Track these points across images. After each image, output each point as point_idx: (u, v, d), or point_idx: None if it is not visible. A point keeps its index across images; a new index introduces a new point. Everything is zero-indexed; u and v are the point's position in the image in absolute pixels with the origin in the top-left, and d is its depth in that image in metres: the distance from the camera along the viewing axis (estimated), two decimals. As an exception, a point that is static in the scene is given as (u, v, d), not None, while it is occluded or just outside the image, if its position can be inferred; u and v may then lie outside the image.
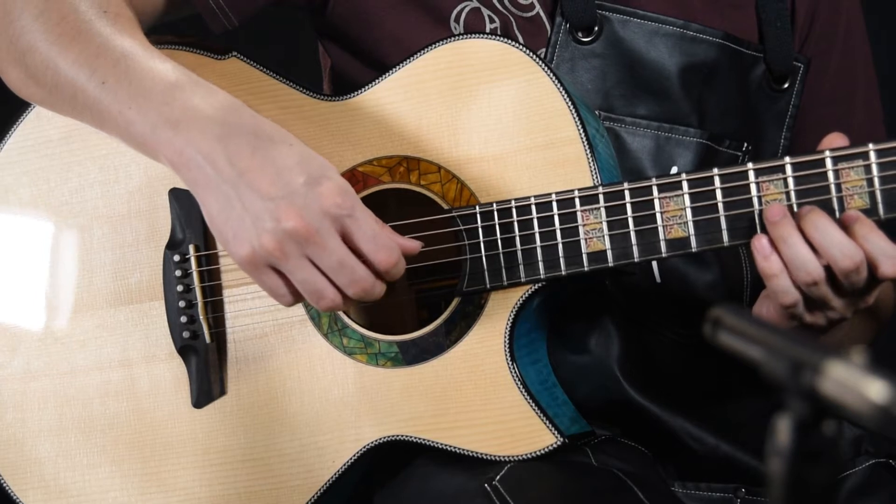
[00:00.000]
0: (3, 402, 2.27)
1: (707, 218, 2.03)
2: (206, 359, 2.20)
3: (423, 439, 2.14)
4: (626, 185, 2.05)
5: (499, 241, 2.10)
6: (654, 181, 2.04)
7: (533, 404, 2.10)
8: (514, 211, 2.09)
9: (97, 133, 2.11)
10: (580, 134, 2.08)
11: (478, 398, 2.12)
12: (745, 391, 2.29)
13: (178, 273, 2.21)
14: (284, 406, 2.19)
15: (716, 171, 2.02)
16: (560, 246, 2.08)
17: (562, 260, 2.08)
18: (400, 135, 2.15)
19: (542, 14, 2.27)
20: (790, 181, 1.99)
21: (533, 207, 2.08)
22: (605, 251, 2.06)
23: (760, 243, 1.97)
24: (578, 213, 2.07)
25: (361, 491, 2.27)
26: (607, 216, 2.06)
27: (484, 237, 2.10)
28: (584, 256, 2.07)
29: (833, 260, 1.92)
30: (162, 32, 2.23)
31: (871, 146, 1.97)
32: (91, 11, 2.09)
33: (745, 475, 2.25)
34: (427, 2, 2.27)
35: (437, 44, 2.14)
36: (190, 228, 2.20)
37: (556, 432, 2.09)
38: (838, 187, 1.98)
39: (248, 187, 1.93)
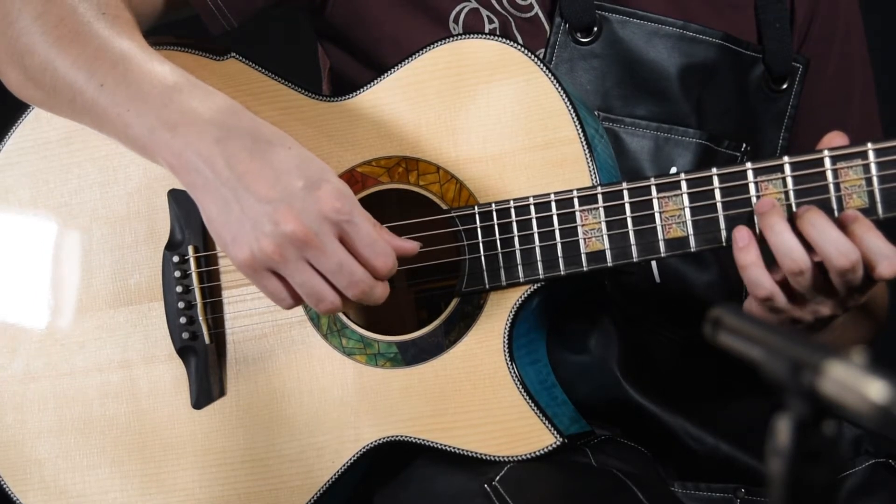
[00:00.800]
0: (2, 403, 2.27)
1: (706, 218, 2.03)
2: (205, 360, 2.20)
3: (423, 440, 2.14)
4: (624, 185, 2.05)
5: (497, 242, 2.10)
6: (652, 181, 2.05)
7: (532, 404, 2.10)
8: (512, 211, 2.09)
9: (96, 134, 2.11)
10: (579, 134, 2.08)
11: (477, 398, 2.12)
12: (744, 391, 2.29)
13: (177, 274, 2.21)
14: (284, 407, 2.19)
15: (714, 170, 2.02)
16: (559, 246, 2.08)
17: (560, 260, 2.08)
18: (399, 135, 2.15)
19: (540, 14, 2.27)
20: (789, 181, 1.99)
21: (532, 207, 2.08)
22: (603, 251, 2.06)
23: (739, 234, 1.98)
24: (577, 213, 2.07)
25: (361, 492, 2.26)
26: (606, 216, 2.06)
27: (483, 237, 2.10)
28: (583, 256, 2.07)
29: (829, 258, 1.92)
30: (161, 33, 2.22)
31: (869, 145, 1.97)
32: (90, 13, 2.09)
33: (745, 475, 2.25)
34: (426, 2, 2.27)
35: (436, 44, 2.14)
36: (189, 229, 2.20)
37: (555, 432, 2.09)
38: (837, 186, 1.98)
39: (246, 190, 1.93)
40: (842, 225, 1.94)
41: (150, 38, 2.14)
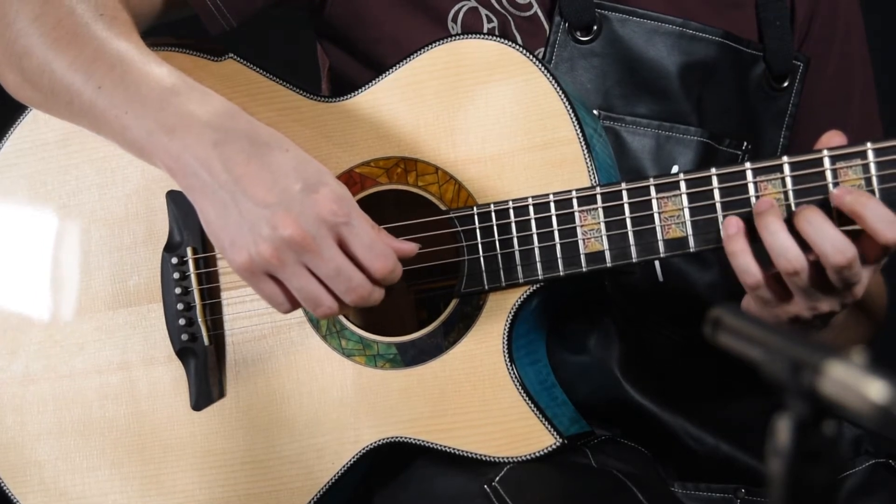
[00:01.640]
0: (2, 405, 2.26)
1: (705, 218, 2.02)
2: (204, 361, 2.20)
3: (422, 440, 2.14)
4: (623, 185, 2.05)
5: (496, 242, 2.10)
6: (651, 181, 2.04)
7: (532, 405, 2.10)
8: (511, 212, 2.09)
9: (94, 136, 2.10)
10: (577, 134, 2.08)
11: (476, 399, 2.12)
12: (745, 391, 2.29)
13: (176, 276, 2.21)
14: (283, 408, 2.19)
15: (713, 170, 2.02)
16: (558, 247, 2.08)
17: (560, 261, 2.08)
18: (397, 136, 2.15)
19: (540, 13, 2.27)
20: (788, 181, 1.99)
21: (531, 208, 2.08)
22: (603, 252, 2.06)
23: (728, 222, 1.98)
24: (576, 214, 2.07)
25: (361, 493, 2.26)
26: (605, 216, 2.06)
27: (482, 238, 2.10)
28: (583, 257, 2.07)
29: (825, 255, 1.91)
30: (160, 34, 2.22)
31: (868, 145, 1.97)
32: (87, 14, 2.08)
33: (745, 475, 2.25)
34: (425, 2, 2.26)
35: (435, 44, 2.14)
36: (188, 231, 2.19)
37: (554, 433, 2.09)
38: (836, 186, 1.98)
39: (244, 194, 1.93)
40: (837, 203, 1.93)
41: (148, 38, 2.13)
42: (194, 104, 1.99)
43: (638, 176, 2.16)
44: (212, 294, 2.21)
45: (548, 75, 2.10)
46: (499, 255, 2.09)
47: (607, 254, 2.06)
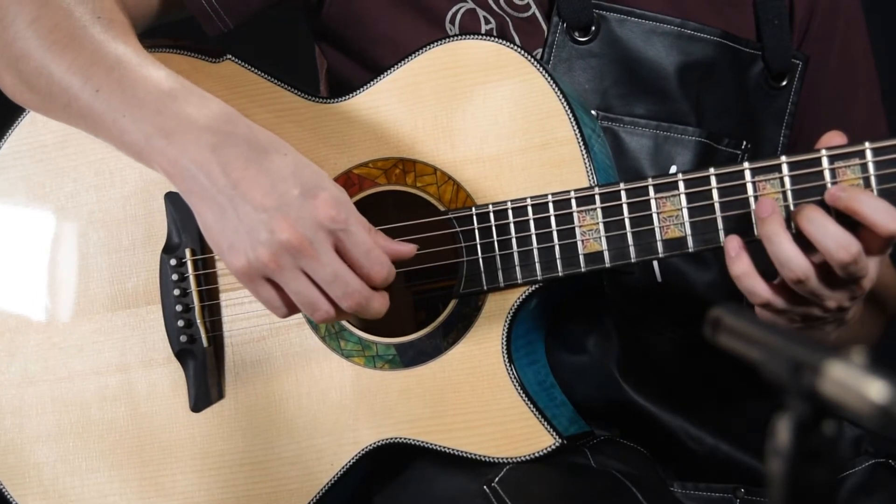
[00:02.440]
0: (1, 407, 2.26)
1: (704, 218, 2.02)
2: (203, 363, 2.20)
3: (422, 441, 2.14)
4: (622, 185, 2.05)
5: (495, 243, 2.10)
6: (650, 181, 2.04)
7: (531, 405, 2.10)
8: (510, 212, 2.09)
9: (92, 138, 2.10)
10: (576, 134, 2.08)
11: (476, 400, 2.12)
12: (745, 391, 2.28)
13: (174, 277, 2.21)
14: (282, 409, 2.19)
15: (712, 170, 2.02)
16: (557, 247, 2.07)
17: (558, 261, 2.08)
18: (395, 137, 2.14)
19: (538, 14, 2.27)
20: (787, 180, 1.99)
21: (529, 209, 2.08)
22: (601, 252, 2.06)
23: (730, 243, 1.98)
24: (575, 214, 2.07)
25: (360, 494, 2.26)
26: (604, 217, 2.06)
27: (480, 239, 2.10)
28: (581, 257, 2.07)
29: (829, 253, 1.91)
30: (157, 35, 2.22)
31: (867, 144, 1.97)
32: (85, 17, 2.08)
33: (744, 475, 2.25)
34: (422, 3, 2.26)
35: (432, 45, 2.14)
36: (186, 232, 2.19)
37: (554, 433, 2.09)
38: (835, 186, 1.98)
39: (242, 198, 1.93)
40: (832, 202, 1.93)
41: (145, 40, 2.13)
42: (192, 108, 1.99)
43: (636, 176, 2.16)
44: (210, 296, 2.21)
45: (546, 76, 2.10)
46: (497, 256, 2.09)
47: (606, 254, 2.06)
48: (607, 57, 2.26)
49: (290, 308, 1.99)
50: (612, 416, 2.26)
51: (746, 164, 2.01)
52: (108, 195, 2.25)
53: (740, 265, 1.97)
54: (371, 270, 1.96)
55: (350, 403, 2.16)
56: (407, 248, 2.03)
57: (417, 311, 2.28)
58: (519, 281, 2.09)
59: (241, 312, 2.20)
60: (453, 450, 2.13)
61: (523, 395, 2.10)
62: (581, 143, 2.08)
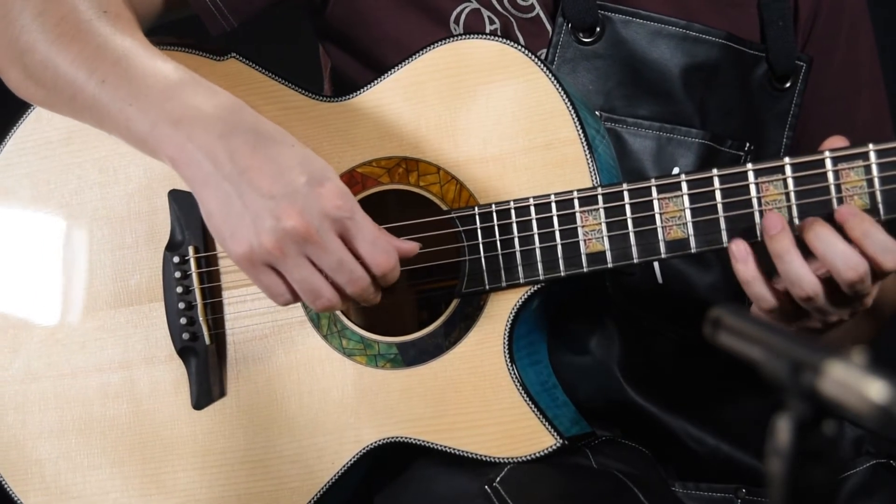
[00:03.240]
0: (3, 403, 2.26)
1: (706, 219, 2.02)
2: (205, 360, 2.20)
3: (423, 441, 2.14)
4: (625, 185, 2.05)
5: (498, 243, 2.10)
6: (653, 182, 2.04)
7: (532, 406, 2.10)
8: (512, 212, 2.09)
9: (97, 134, 2.11)
10: (579, 134, 2.08)
11: (477, 399, 2.12)
12: (746, 392, 2.28)
13: (177, 275, 2.21)
14: (284, 407, 2.19)
15: (715, 171, 2.02)
16: (559, 247, 2.08)
17: (561, 261, 2.08)
18: (399, 136, 2.15)
19: (542, 15, 2.27)
20: (790, 182, 1.99)
21: (532, 208, 2.08)
22: (604, 252, 2.06)
23: (737, 248, 1.97)
24: (577, 215, 2.07)
25: (361, 493, 2.26)
26: (606, 217, 2.06)
27: (483, 238, 2.10)
28: (584, 257, 2.07)
29: (837, 272, 1.91)
30: (162, 34, 2.22)
31: (871, 146, 1.97)
32: (91, 11, 2.09)
33: (745, 475, 2.25)
34: (427, 3, 2.26)
35: (436, 44, 2.14)
36: (189, 230, 2.19)
37: (555, 434, 2.09)
38: (838, 188, 1.98)
39: (248, 185, 1.93)
40: (840, 222, 1.93)
41: (150, 38, 2.13)
42: (200, 98, 1.99)
43: (639, 177, 2.16)
44: (213, 293, 2.21)
45: (550, 76, 2.10)
46: (500, 256, 2.09)
47: (608, 254, 2.06)
48: (611, 58, 2.26)
49: (293, 296, 1.99)
50: (614, 417, 2.26)
51: (750, 166, 2.01)
52: (112, 192, 2.25)
53: (748, 271, 1.97)
54: (376, 259, 1.96)
55: (351, 402, 2.16)
56: (410, 246, 2.03)
57: (419, 311, 2.28)
58: (521, 281, 2.10)
59: (244, 310, 2.20)
60: (454, 449, 2.13)
61: (525, 396, 2.10)
62: (584, 144, 2.08)
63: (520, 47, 2.11)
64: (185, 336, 2.20)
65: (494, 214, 2.10)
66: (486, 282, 2.10)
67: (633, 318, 2.25)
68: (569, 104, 2.09)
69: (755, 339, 1.22)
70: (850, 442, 2.32)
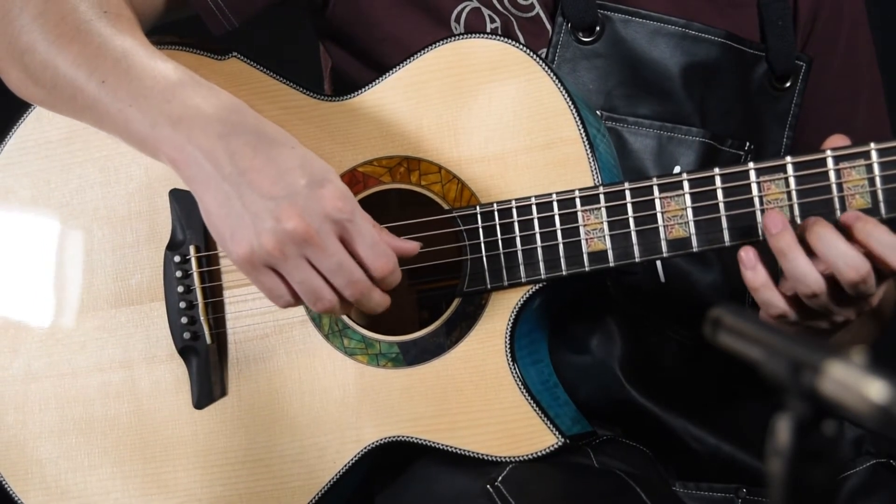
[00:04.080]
0: (4, 403, 2.26)
1: (708, 218, 2.02)
2: (206, 360, 2.20)
3: (424, 440, 2.14)
4: (626, 184, 2.05)
5: (499, 242, 2.10)
6: (654, 181, 2.04)
7: (534, 405, 2.10)
8: (514, 211, 2.09)
9: (98, 134, 2.11)
10: (581, 134, 2.08)
11: (478, 399, 2.12)
12: (747, 392, 2.28)
13: (178, 274, 2.21)
14: (285, 407, 2.19)
15: (717, 170, 2.02)
16: (561, 246, 2.07)
17: (563, 260, 2.07)
18: (400, 135, 2.15)
19: (542, 14, 2.27)
20: (791, 181, 1.99)
21: (534, 207, 2.08)
22: (605, 251, 2.06)
23: (746, 255, 1.98)
24: (579, 213, 2.07)
25: (363, 492, 2.26)
26: (608, 216, 2.06)
27: (484, 237, 2.10)
28: (585, 256, 2.07)
29: (839, 272, 1.91)
30: (162, 33, 2.22)
31: (872, 145, 1.97)
32: (91, 11, 2.08)
33: (746, 475, 2.25)
34: (427, 2, 2.26)
35: (438, 44, 2.14)
36: (190, 229, 2.19)
37: (556, 433, 2.09)
38: (840, 187, 1.98)
39: (249, 186, 1.93)
40: (846, 227, 1.94)
41: (151, 37, 2.13)
42: (200, 98, 1.99)
43: (640, 177, 2.16)
44: (214, 292, 2.21)
45: (551, 75, 2.10)
46: (501, 255, 2.09)
47: (610, 253, 2.06)
48: (611, 57, 2.26)
49: (294, 297, 1.99)
50: (615, 416, 2.26)
51: (751, 165, 2.01)
52: (113, 192, 2.25)
53: (758, 276, 1.97)
54: (376, 262, 1.96)
55: (353, 401, 2.16)
56: (411, 246, 2.03)
57: (420, 310, 2.28)
58: (522, 280, 2.09)
59: (245, 309, 2.20)
60: (456, 448, 2.13)
61: (526, 395, 2.10)
62: (586, 143, 2.08)
63: (521, 46, 2.11)
64: (186, 335, 2.20)
65: (496, 214, 2.10)
66: (488, 281, 2.10)
67: (634, 318, 2.25)
68: (570, 103, 2.09)
69: (755, 339, 1.22)
70: (851, 442, 2.32)
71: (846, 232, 1.94)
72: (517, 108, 2.11)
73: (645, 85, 2.27)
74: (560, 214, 2.07)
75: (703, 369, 2.26)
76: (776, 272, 1.99)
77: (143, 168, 2.22)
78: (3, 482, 2.26)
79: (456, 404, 2.13)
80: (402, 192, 2.15)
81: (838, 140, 1.99)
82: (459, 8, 2.26)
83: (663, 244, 2.04)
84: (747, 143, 2.32)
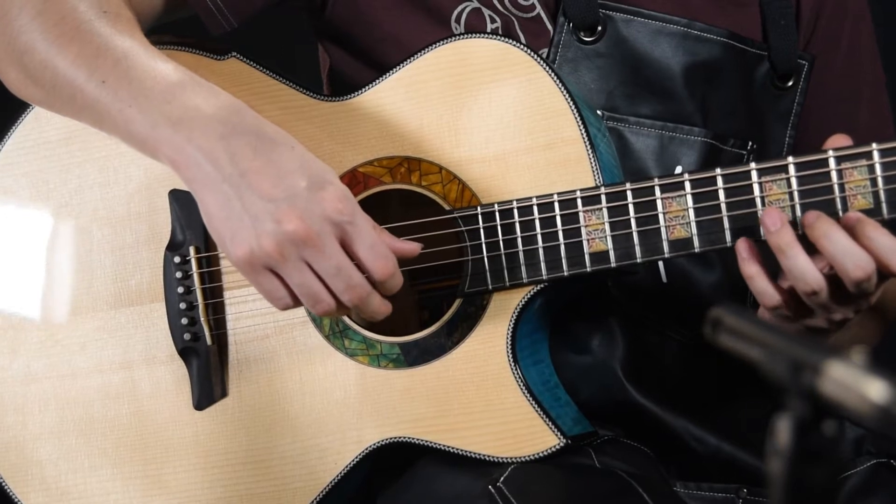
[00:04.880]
0: (3, 404, 2.26)
1: (710, 218, 2.02)
2: (207, 361, 2.20)
3: (426, 441, 2.13)
4: (628, 185, 2.05)
5: (500, 242, 2.09)
6: (656, 181, 2.04)
7: (535, 405, 2.09)
8: (515, 211, 2.08)
9: (97, 134, 2.10)
10: (582, 134, 2.08)
11: (480, 399, 2.12)
12: (748, 392, 2.28)
13: (178, 275, 2.21)
14: (286, 408, 2.19)
15: (718, 171, 2.02)
16: (562, 246, 2.07)
17: (564, 260, 2.07)
18: (401, 135, 2.14)
19: (543, 15, 2.27)
20: (793, 181, 1.98)
21: (535, 208, 2.08)
22: (607, 251, 2.06)
23: (741, 245, 1.98)
24: (580, 214, 2.06)
25: (364, 493, 2.26)
26: (609, 216, 2.05)
27: (486, 238, 2.10)
28: (587, 257, 2.07)
29: (844, 270, 1.90)
30: (162, 33, 2.22)
31: (874, 146, 1.96)
32: (91, 11, 2.08)
33: (747, 476, 2.25)
34: (427, 3, 2.26)
35: (438, 43, 2.14)
36: (190, 230, 2.19)
37: (558, 433, 2.09)
38: (841, 187, 1.97)
39: (249, 188, 1.93)
40: (847, 228, 1.93)
41: (150, 37, 2.13)
42: (201, 98, 1.99)
43: (641, 177, 2.16)
44: (214, 293, 2.21)
45: (552, 75, 2.09)
46: (502, 255, 2.09)
47: (611, 254, 2.06)
48: (613, 57, 2.26)
49: (293, 299, 1.98)
50: (616, 417, 2.25)
51: (753, 165, 2.00)
52: (113, 192, 2.25)
53: (752, 266, 1.97)
54: (375, 264, 1.96)
55: (354, 402, 2.16)
56: (411, 247, 2.03)
57: (421, 311, 2.28)
58: (524, 280, 2.09)
59: (245, 310, 2.20)
60: (457, 449, 2.12)
61: (528, 395, 2.10)
62: (587, 143, 2.08)
63: (522, 46, 2.11)
64: (187, 336, 2.20)
65: (497, 214, 2.09)
66: (489, 281, 2.10)
67: (635, 318, 2.25)
68: (571, 103, 2.09)
69: (755, 340, 1.22)
70: (851, 441, 2.31)
71: (850, 231, 1.93)
72: (518, 109, 2.11)
73: (647, 85, 2.27)
74: (561, 215, 2.07)
75: (705, 370, 2.26)
76: (775, 269, 1.98)
77: (143, 168, 2.22)
78: (3, 483, 2.26)
79: (457, 405, 2.12)
80: (402, 193, 2.15)
81: (840, 140, 1.99)
82: (460, 8, 2.26)
83: (665, 245, 2.04)
84: (749, 143, 2.32)
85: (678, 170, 2.26)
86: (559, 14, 2.25)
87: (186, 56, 2.21)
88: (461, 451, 2.12)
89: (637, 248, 2.05)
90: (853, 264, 1.90)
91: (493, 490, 2.07)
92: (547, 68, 2.10)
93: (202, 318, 2.20)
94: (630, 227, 2.05)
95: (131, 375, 2.23)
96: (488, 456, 2.12)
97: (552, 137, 2.09)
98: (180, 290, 2.20)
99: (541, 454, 2.10)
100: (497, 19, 2.26)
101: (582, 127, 2.08)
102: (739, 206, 2.01)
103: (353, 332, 2.16)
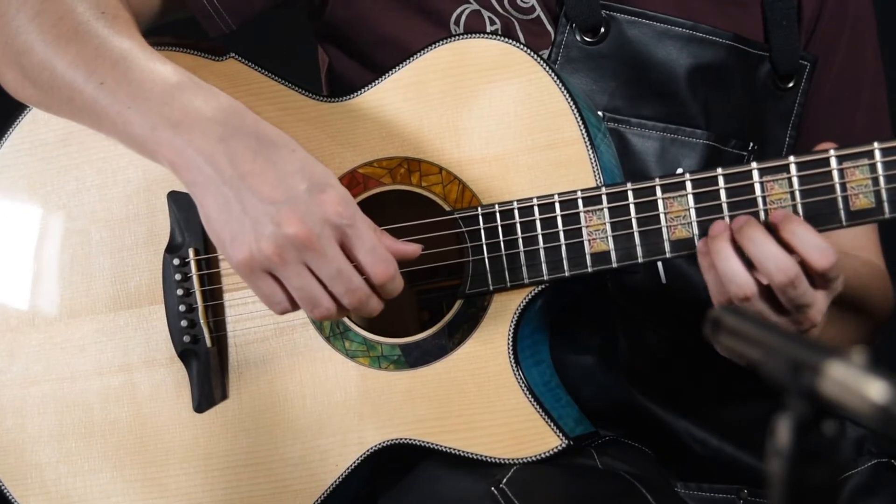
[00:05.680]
0: (2, 407, 2.26)
1: (711, 218, 2.02)
2: (207, 363, 2.19)
3: (427, 442, 2.13)
4: (629, 185, 2.04)
5: (501, 243, 2.09)
6: (657, 181, 2.04)
7: (537, 406, 2.09)
8: (516, 212, 2.08)
9: (95, 136, 2.10)
10: (582, 134, 2.08)
11: (481, 400, 2.11)
12: (748, 392, 2.28)
13: (177, 277, 2.20)
14: (287, 410, 2.18)
15: (720, 170, 2.01)
16: (563, 247, 2.07)
17: (565, 261, 2.07)
18: (401, 136, 2.14)
19: (543, 16, 2.26)
20: (794, 181, 1.98)
21: (535, 208, 2.07)
22: (608, 252, 2.05)
23: (700, 242, 1.98)
24: (581, 214, 2.06)
25: (365, 495, 2.26)
26: (611, 217, 2.05)
27: (486, 239, 2.09)
28: (588, 257, 2.06)
29: (768, 274, 1.91)
30: (160, 34, 2.22)
31: (876, 145, 1.96)
32: (89, 12, 2.08)
33: (748, 476, 2.25)
34: (426, 5, 2.26)
35: (438, 44, 2.14)
36: (189, 232, 2.19)
37: (560, 434, 2.09)
38: (843, 186, 1.97)
39: (249, 190, 1.92)
40: (773, 225, 1.93)
41: (148, 38, 2.13)
42: (200, 100, 1.98)
43: (642, 178, 2.15)
44: (214, 295, 2.21)
45: (552, 75, 2.09)
46: (503, 256, 2.09)
47: (613, 254, 2.05)
48: (616, 58, 2.26)
49: (291, 303, 1.98)
50: (617, 417, 2.26)
51: (754, 165, 2.00)
52: (111, 194, 2.24)
53: (705, 262, 1.98)
54: (375, 268, 1.95)
55: (355, 404, 2.15)
56: (412, 248, 2.03)
57: (422, 312, 2.28)
58: (525, 281, 2.09)
59: (245, 312, 2.20)
60: (459, 450, 2.12)
61: (529, 396, 2.10)
62: (588, 144, 2.08)
63: (522, 46, 2.11)
64: (186, 339, 2.20)
65: (498, 215, 2.09)
66: (490, 282, 2.10)
67: (636, 319, 2.24)
68: (572, 104, 2.08)
69: (755, 340, 1.22)
70: (852, 442, 2.31)
71: (774, 232, 1.93)
72: (518, 109, 2.10)
73: (649, 86, 2.26)
74: (562, 215, 2.07)
75: (705, 370, 2.26)
76: None
77: (141, 170, 2.22)
78: (3, 487, 2.26)
79: (459, 406, 2.12)
80: (402, 194, 2.15)
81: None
82: (459, 10, 2.26)
83: (666, 245, 2.04)
84: (751, 144, 2.32)
85: (679, 171, 2.25)
86: (561, 15, 2.24)
87: (185, 57, 2.21)
88: (463, 452, 2.12)
89: (638, 249, 2.05)
90: (776, 268, 1.90)
91: (495, 491, 2.07)
92: (547, 68, 2.09)
93: (202, 321, 2.20)
94: (631, 228, 2.05)
95: (131, 378, 2.23)
96: (490, 457, 2.12)
97: (553, 138, 2.09)
98: (179, 292, 2.20)
99: (543, 455, 2.10)
100: (497, 21, 2.26)
101: (582, 127, 2.08)
102: (741, 206, 2.01)
103: (353, 334, 2.15)
